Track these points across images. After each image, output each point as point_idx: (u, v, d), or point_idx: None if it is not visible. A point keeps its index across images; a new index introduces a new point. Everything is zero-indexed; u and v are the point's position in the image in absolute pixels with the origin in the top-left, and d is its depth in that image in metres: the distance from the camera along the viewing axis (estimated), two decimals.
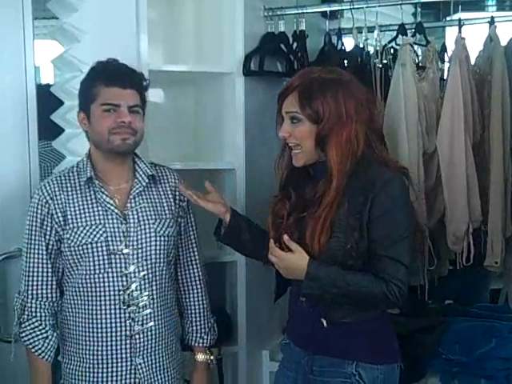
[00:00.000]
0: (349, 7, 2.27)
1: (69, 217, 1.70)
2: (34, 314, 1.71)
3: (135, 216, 1.72)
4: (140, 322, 1.70)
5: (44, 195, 1.71)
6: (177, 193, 1.82)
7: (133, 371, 1.71)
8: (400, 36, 2.21)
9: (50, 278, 1.72)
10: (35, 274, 1.71)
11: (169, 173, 1.85)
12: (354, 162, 1.58)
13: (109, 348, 1.69)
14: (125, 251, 1.69)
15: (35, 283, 1.71)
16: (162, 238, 1.75)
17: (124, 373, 1.70)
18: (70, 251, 1.69)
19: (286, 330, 1.86)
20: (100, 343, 1.69)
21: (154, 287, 1.73)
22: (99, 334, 1.69)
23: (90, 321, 1.69)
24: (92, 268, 1.68)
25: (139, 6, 2.07)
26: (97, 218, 1.69)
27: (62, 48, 2.19)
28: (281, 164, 1.72)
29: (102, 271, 1.68)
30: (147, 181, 1.77)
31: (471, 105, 2.07)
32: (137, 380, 1.72)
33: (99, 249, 1.68)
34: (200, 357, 1.88)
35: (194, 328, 1.88)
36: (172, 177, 1.84)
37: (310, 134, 1.59)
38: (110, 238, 1.68)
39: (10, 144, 2.03)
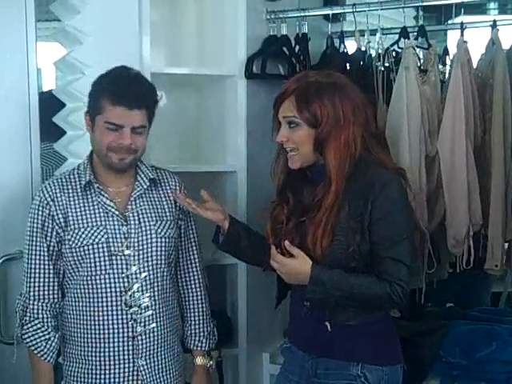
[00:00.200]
0: (351, 10, 2.27)
1: (70, 218, 1.70)
2: (36, 316, 1.72)
3: (136, 218, 1.73)
4: (142, 324, 1.71)
5: (45, 197, 1.72)
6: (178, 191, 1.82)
7: (135, 373, 1.71)
8: (402, 39, 2.22)
9: (51, 280, 1.72)
10: (37, 275, 1.72)
11: (169, 176, 1.85)
12: (352, 165, 1.59)
13: (111, 349, 1.69)
14: (126, 252, 1.69)
15: (37, 285, 1.72)
16: (163, 240, 1.75)
17: (126, 374, 1.71)
18: (71, 253, 1.69)
19: (287, 334, 1.86)
20: (102, 345, 1.69)
21: (156, 288, 1.73)
22: (101, 336, 1.69)
23: (92, 322, 1.69)
24: (93, 269, 1.68)
25: (142, 8, 2.08)
26: (98, 219, 1.70)
27: (64, 50, 2.19)
28: (277, 168, 1.72)
29: (104, 272, 1.68)
30: (148, 184, 1.77)
31: (473, 108, 2.07)
32: (139, 381, 1.72)
33: (100, 250, 1.68)
34: (199, 360, 1.88)
35: (193, 331, 1.88)
36: (173, 180, 1.84)
37: (309, 138, 1.60)
38: (111, 240, 1.69)
39: (11, 146, 2.03)
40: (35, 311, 1.72)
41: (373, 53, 2.31)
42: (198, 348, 1.88)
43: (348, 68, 2.32)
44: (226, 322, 2.39)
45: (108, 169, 1.71)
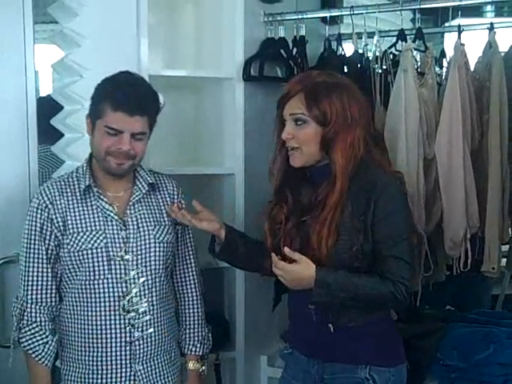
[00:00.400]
0: (348, 13, 2.27)
1: (69, 222, 1.69)
2: (33, 319, 1.71)
3: (135, 222, 1.72)
4: (140, 329, 1.70)
5: (44, 199, 1.71)
6: (175, 200, 1.81)
7: (132, 377, 1.71)
8: (400, 41, 2.22)
9: (49, 283, 1.72)
10: (34, 278, 1.71)
11: (167, 180, 1.84)
12: (356, 165, 1.59)
13: (108, 354, 1.69)
14: (125, 257, 1.69)
15: (34, 288, 1.71)
16: (162, 245, 1.75)
17: (124, 379, 1.70)
18: (69, 257, 1.69)
19: (288, 338, 1.84)
20: (100, 349, 1.69)
21: (154, 293, 1.73)
22: (99, 340, 1.69)
23: (90, 327, 1.69)
24: (92, 274, 1.68)
25: (139, 10, 2.07)
26: (97, 223, 1.69)
27: (62, 53, 2.19)
28: (274, 168, 1.71)
29: (102, 277, 1.68)
30: (147, 188, 1.77)
31: (470, 111, 2.07)
32: None
33: (99, 254, 1.67)
34: (191, 365, 1.87)
35: (188, 336, 1.87)
36: (170, 184, 1.84)
37: (315, 136, 1.59)
38: (109, 244, 1.68)
39: (9, 148, 2.02)
40: (33, 315, 1.71)
41: (370, 55, 2.31)
42: (193, 352, 1.87)
43: (346, 70, 2.32)
44: (223, 324, 2.39)
45: (106, 173, 1.71)
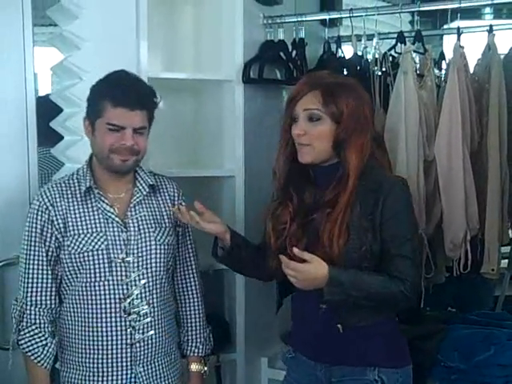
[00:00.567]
0: (348, 15, 2.28)
1: (69, 224, 1.69)
2: (33, 322, 1.70)
3: (135, 224, 1.72)
4: (141, 331, 1.70)
5: (44, 201, 1.71)
6: (175, 202, 1.81)
7: (133, 379, 1.71)
8: (399, 44, 2.23)
9: (49, 285, 1.71)
10: (34, 280, 1.71)
11: (168, 182, 1.84)
12: (364, 166, 1.60)
13: (109, 356, 1.69)
14: (126, 259, 1.69)
15: (34, 290, 1.71)
16: (162, 247, 1.75)
17: (124, 381, 1.70)
18: (70, 258, 1.69)
19: (291, 341, 1.80)
20: (100, 351, 1.69)
21: (155, 295, 1.72)
22: (99, 343, 1.68)
23: (90, 329, 1.69)
24: (92, 276, 1.68)
25: (139, 13, 2.08)
26: (97, 225, 1.69)
27: (61, 55, 2.19)
28: (279, 165, 1.68)
29: (103, 279, 1.68)
30: (148, 190, 1.77)
31: (469, 113, 2.07)
32: None
33: (100, 256, 1.67)
34: (193, 367, 1.87)
35: (189, 337, 1.87)
36: (171, 186, 1.84)
37: (330, 133, 1.58)
38: (110, 246, 1.68)
39: (9, 150, 2.02)
40: (32, 317, 1.71)
41: (370, 57, 2.32)
42: (194, 354, 1.87)
43: (345, 73, 2.33)
44: (223, 326, 2.39)
45: (109, 172, 1.71)
